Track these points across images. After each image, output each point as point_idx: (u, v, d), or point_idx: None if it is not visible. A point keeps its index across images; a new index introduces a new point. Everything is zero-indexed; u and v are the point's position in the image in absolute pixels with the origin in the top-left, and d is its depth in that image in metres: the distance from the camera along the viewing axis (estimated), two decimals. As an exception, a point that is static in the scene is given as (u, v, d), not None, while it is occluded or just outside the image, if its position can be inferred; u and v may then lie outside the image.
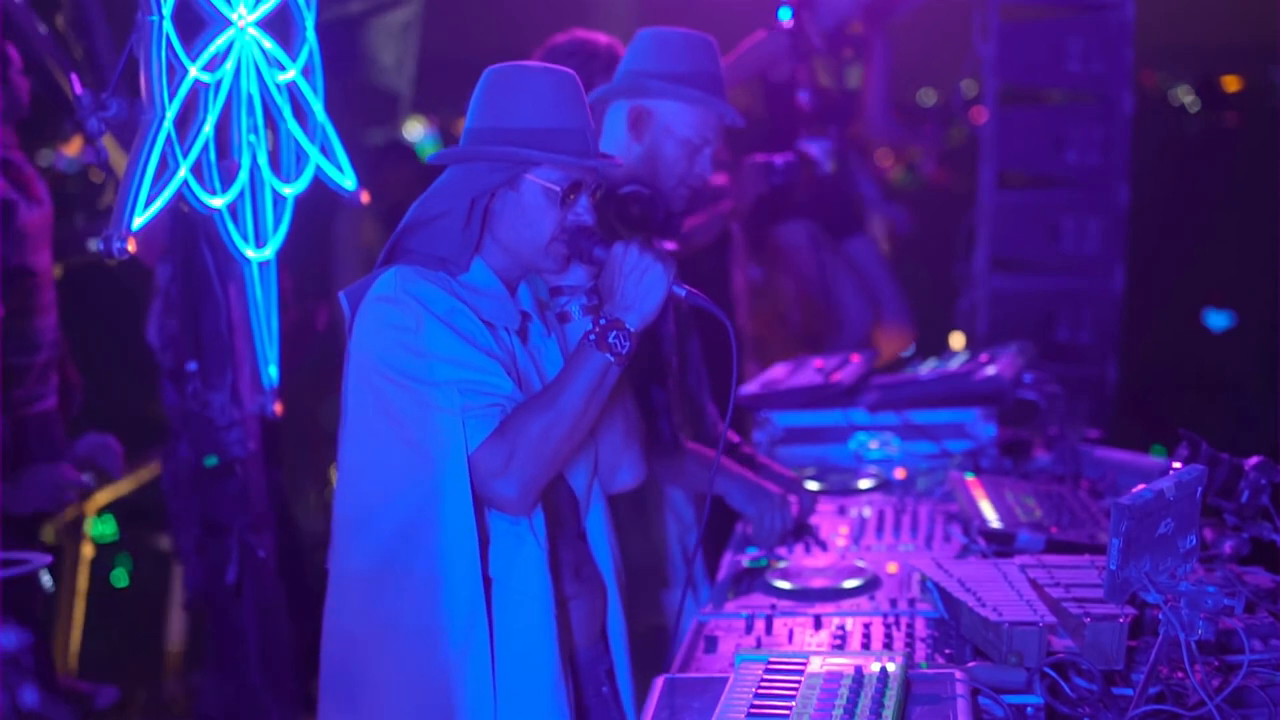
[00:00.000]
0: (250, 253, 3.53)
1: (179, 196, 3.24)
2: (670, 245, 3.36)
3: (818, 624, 2.60)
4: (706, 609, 2.75)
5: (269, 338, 3.65)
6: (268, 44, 3.51)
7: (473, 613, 2.36)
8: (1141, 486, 2.18)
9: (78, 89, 3.11)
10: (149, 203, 3.12)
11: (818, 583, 2.81)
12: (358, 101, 6.12)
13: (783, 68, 5.24)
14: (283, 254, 3.66)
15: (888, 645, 2.49)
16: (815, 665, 2.13)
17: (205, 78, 3.28)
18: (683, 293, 2.44)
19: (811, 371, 4.05)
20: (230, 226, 3.44)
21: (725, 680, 2.14)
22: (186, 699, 4.65)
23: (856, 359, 4.16)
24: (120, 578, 5.59)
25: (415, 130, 9.54)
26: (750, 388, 3.99)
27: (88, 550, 4.63)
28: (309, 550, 4.59)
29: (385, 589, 2.41)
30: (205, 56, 3.28)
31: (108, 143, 3.52)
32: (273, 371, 3.67)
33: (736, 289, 4.96)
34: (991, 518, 2.97)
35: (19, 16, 3.85)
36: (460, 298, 2.41)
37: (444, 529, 2.36)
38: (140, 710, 4.64)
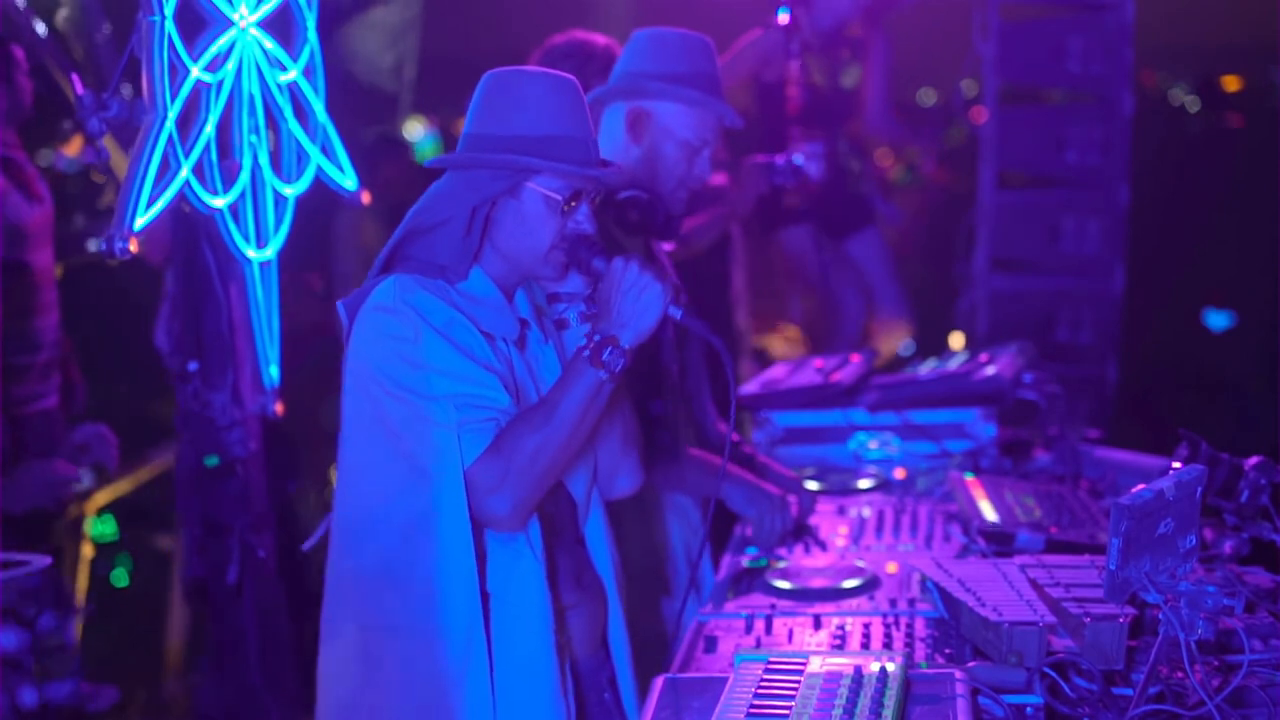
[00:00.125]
0: (251, 253, 3.53)
1: (180, 197, 3.24)
2: (669, 247, 3.36)
3: (817, 624, 2.60)
4: (706, 609, 2.75)
5: (270, 338, 3.65)
6: (269, 44, 3.51)
7: (471, 627, 2.35)
8: (1141, 486, 2.18)
9: (78, 89, 3.11)
10: (150, 203, 3.13)
11: (817, 583, 2.82)
12: (358, 101, 6.12)
13: (777, 67, 5.24)
14: (283, 254, 3.67)
15: (887, 645, 2.49)
16: (815, 665, 2.13)
17: (207, 78, 3.28)
18: (678, 315, 2.43)
19: (811, 371, 4.05)
20: (231, 226, 3.45)
21: (725, 680, 2.14)
22: (186, 699, 4.65)
23: (856, 359, 4.16)
24: (120, 578, 5.58)
25: (415, 130, 9.54)
26: (750, 388, 3.99)
27: (88, 550, 4.63)
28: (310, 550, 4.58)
29: (384, 592, 2.41)
30: (207, 57, 3.28)
31: (108, 143, 3.52)
32: (273, 371, 3.67)
33: (736, 289, 4.97)
34: (991, 518, 2.97)
35: (18, 17, 3.85)
36: (459, 307, 2.40)
37: (441, 543, 2.35)
38: (140, 710, 4.63)
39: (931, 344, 5.51)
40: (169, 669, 4.77)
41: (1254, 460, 2.66)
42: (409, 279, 2.40)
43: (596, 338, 2.37)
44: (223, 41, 3.33)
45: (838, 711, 1.99)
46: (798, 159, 4.31)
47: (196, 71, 3.24)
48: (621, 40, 3.30)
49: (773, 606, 2.72)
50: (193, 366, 3.55)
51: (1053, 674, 2.23)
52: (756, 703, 2.03)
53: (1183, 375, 7.74)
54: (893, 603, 2.70)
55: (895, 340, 5.90)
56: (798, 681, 2.08)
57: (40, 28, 3.95)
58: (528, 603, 2.40)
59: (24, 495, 3.65)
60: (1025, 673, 2.24)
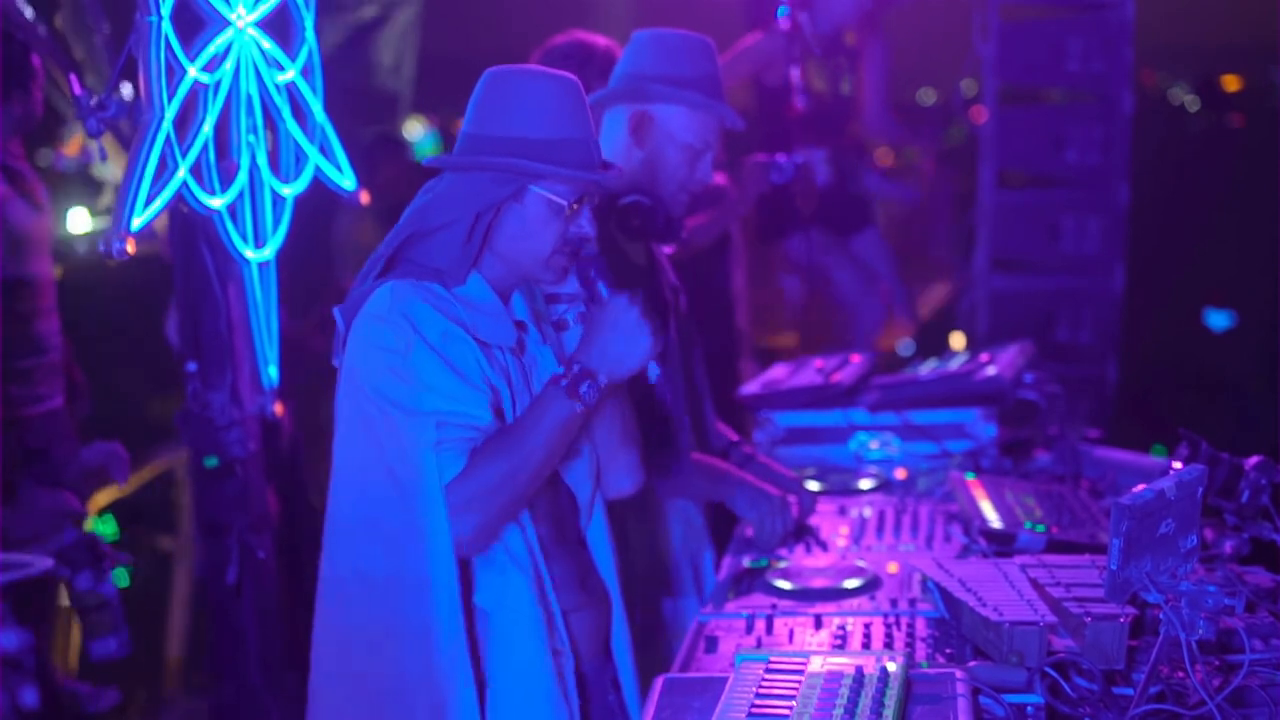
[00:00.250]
0: (249, 253, 3.53)
1: (178, 197, 3.24)
2: (670, 249, 3.36)
3: (818, 624, 2.60)
4: (707, 609, 2.75)
5: (269, 338, 3.64)
6: (267, 44, 3.50)
7: (454, 639, 2.31)
8: (1142, 486, 2.18)
9: (77, 89, 3.11)
10: (148, 203, 3.12)
11: (818, 583, 2.81)
12: (357, 101, 6.13)
13: (777, 70, 5.24)
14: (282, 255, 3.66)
15: (888, 645, 2.49)
16: (816, 665, 2.13)
17: (204, 78, 3.28)
18: (654, 375, 2.42)
19: (811, 371, 4.04)
20: (230, 227, 3.44)
21: (725, 680, 2.14)
22: (187, 699, 4.65)
23: (856, 359, 4.16)
24: (120, 578, 5.58)
25: (415, 130, 9.54)
26: (750, 388, 3.99)
27: (87, 551, 4.63)
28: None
29: (368, 602, 2.38)
30: (204, 57, 3.28)
31: (107, 143, 3.52)
32: (272, 372, 3.67)
33: (736, 290, 4.96)
34: (992, 518, 2.97)
35: (18, 17, 3.85)
36: (456, 315, 2.36)
37: (421, 555, 2.32)
38: (140, 710, 4.63)
39: (932, 344, 5.51)
40: (169, 670, 4.77)
41: (1254, 460, 2.65)
42: (406, 286, 2.36)
43: (576, 368, 2.34)
44: (220, 42, 3.33)
45: (839, 711, 1.99)
46: (799, 158, 4.31)
47: (194, 72, 3.24)
48: (622, 41, 3.28)
49: (773, 606, 2.71)
50: (191, 367, 3.54)
51: (1053, 674, 2.23)
52: (757, 703, 2.03)
53: (1183, 375, 7.74)
54: (893, 603, 2.70)
55: (899, 336, 5.90)
56: (798, 681, 2.08)
57: (40, 28, 3.95)
58: (520, 617, 2.37)
59: (27, 525, 3.65)
60: (1026, 672, 2.24)
